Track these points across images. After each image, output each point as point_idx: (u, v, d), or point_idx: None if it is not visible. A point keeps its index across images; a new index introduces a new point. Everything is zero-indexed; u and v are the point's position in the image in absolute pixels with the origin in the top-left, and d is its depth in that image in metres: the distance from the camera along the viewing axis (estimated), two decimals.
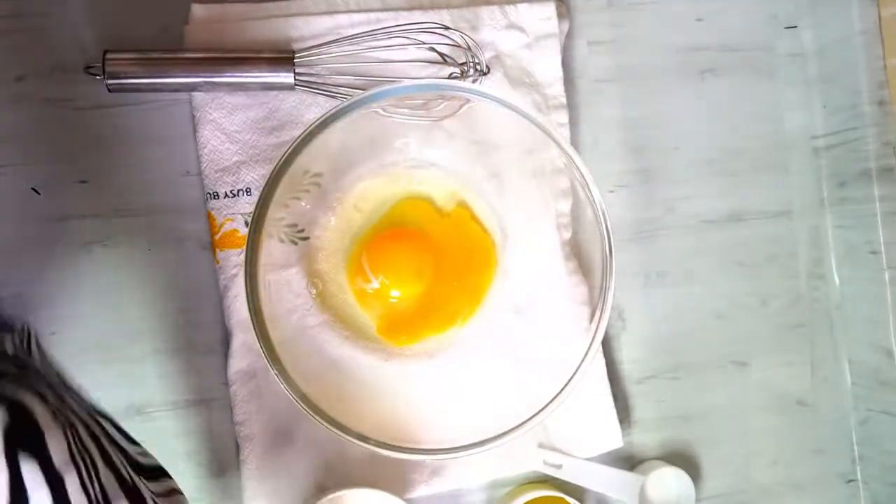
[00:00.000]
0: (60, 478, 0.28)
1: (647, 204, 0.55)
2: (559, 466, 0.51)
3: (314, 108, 0.49)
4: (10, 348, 0.34)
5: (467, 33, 0.48)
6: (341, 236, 0.49)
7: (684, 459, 0.55)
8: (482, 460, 0.50)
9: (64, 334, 0.48)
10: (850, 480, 0.57)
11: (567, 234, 0.50)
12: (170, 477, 0.36)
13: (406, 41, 0.48)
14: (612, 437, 0.52)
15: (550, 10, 0.52)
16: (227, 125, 0.49)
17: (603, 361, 0.53)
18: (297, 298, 0.47)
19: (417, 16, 0.50)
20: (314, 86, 0.48)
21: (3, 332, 0.35)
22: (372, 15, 0.50)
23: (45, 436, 0.28)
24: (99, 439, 0.31)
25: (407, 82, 0.41)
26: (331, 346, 0.48)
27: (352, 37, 0.48)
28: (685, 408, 0.55)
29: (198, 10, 0.48)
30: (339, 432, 0.41)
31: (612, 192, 0.55)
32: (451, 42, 0.48)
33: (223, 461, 0.49)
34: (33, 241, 0.47)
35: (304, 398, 0.41)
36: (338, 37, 0.49)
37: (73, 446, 0.29)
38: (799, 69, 0.58)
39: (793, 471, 0.57)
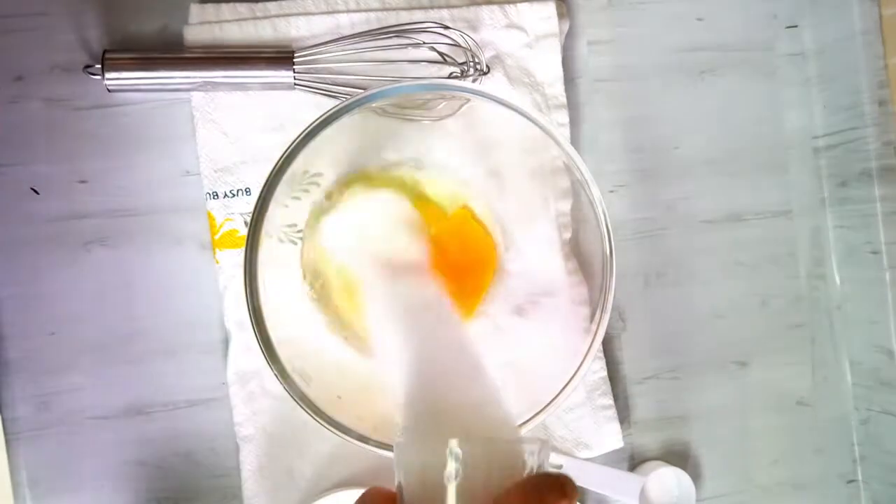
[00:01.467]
0: None
1: (647, 204, 0.55)
2: (559, 466, 0.51)
3: (314, 108, 0.49)
4: None
5: (467, 33, 0.48)
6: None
7: (684, 459, 0.55)
8: None
9: (64, 334, 0.48)
10: (851, 480, 0.57)
11: (567, 234, 0.50)
12: None
13: (406, 41, 0.48)
14: (612, 437, 0.52)
15: (550, 9, 0.52)
16: (227, 125, 0.49)
17: (603, 361, 0.53)
18: (296, 298, 0.47)
19: (417, 15, 0.50)
20: (314, 86, 0.48)
21: None
22: (372, 15, 0.50)
23: None
24: None
25: (407, 82, 0.41)
26: (330, 345, 0.48)
27: (352, 36, 0.48)
28: (685, 408, 0.55)
29: (197, 10, 0.48)
30: (339, 432, 0.41)
31: (612, 192, 0.55)
32: (451, 42, 0.48)
33: (223, 461, 0.49)
34: (33, 241, 0.48)
35: (304, 398, 0.41)
36: (338, 36, 0.49)
37: None
38: (799, 69, 0.58)
39: (793, 471, 0.56)
